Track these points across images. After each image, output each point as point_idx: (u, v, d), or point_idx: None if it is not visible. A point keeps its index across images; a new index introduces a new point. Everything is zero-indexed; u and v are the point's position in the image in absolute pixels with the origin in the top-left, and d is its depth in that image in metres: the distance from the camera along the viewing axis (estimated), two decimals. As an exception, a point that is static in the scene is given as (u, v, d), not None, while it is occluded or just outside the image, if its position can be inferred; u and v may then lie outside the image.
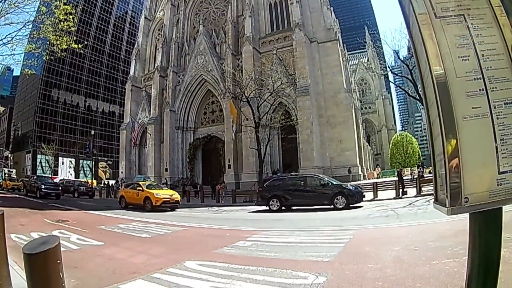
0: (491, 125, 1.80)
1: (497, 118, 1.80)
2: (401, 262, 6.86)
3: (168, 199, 24.58)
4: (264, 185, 24.51)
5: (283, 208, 21.83)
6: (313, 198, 21.46)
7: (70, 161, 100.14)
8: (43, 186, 34.95)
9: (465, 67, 1.85)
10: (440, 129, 1.81)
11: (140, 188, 25.73)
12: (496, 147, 1.78)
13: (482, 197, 1.77)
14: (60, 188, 38.24)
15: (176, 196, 25.99)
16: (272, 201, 22.10)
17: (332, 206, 20.01)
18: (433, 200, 2.17)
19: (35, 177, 44.80)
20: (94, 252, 9.34)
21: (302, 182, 22.97)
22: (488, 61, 1.85)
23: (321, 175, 26.02)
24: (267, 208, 22.14)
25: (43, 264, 2.87)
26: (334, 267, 6.80)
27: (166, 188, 30.27)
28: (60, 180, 56.98)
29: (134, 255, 9.15)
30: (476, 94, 1.82)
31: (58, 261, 2.93)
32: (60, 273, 2.94)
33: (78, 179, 72.45)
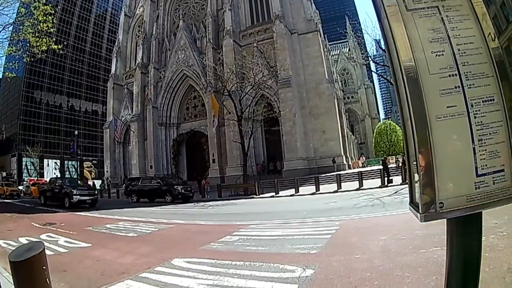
0: (468, 124, 1.72)
1: (475, 117, 1.72)
2: (389, 252, 6.92)
3: None
4: None
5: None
6: None
7: (55, 163, 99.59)
8: (74, 191, 26.31)
9: (439, 63, 1.76)
10: (412, 129, 1.72)
11: None
12: (474, 148, 1.71)
13: (458, 202, 1.69)
14: (96, 192, 30.63)
15: None
16: None
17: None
18: (408, 201, 2.07)
19: (59, 179, 33.43)
20: (83, 254, 9.34)
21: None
22: (465, 56, 1.77)
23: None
24: None
25: (29, 271, 2.84)
26: (321, 259, 6.86)
27: None
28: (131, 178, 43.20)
29: (122, 255, 9.16)
30: (451, 92, 1.74)
31: (44, 267, 2.90)
32: (47, 279, 2.91)
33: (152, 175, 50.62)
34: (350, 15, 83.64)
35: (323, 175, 35.50)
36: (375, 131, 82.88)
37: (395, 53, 1.79)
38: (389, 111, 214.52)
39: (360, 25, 59.03)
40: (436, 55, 1.77)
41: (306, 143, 48.02)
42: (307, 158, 46.27)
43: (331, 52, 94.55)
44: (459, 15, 1.82)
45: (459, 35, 1.79)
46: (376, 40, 39.48)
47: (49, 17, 20.88)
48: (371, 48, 48.10)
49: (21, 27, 21.49)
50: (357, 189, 25.13)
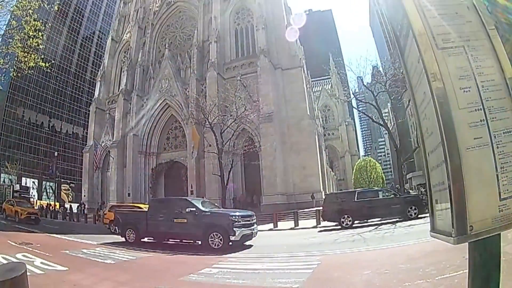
0: (492, 154, 1.87)
1: (497, 147, 1.87)
2: (373, 286, 6.98)
3: None
4: None
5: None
6: None
7: (33, 182, 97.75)
8: (237, 220, 15.48)
9: (467, 98, 1.92)
10: (445, 159, 1.86)
11: None
12: (497, 175, 1.85)
13: (485, 224, 1.83)
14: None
15: None
16: None
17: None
18: (429, 229, 2.32)
19: (181, 201, 18.75)
20: (59, 277, 9.20)
21: None
22: (488, 92, 1.92)
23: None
24: None
25: (10, 292, 2.74)
26: None
27: None
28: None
29: (99, 281, 9.05)
30: (477, 125, 1.89)
31: None
32: (28, 302, 2.79)
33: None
34: (335, 52, 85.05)
35: (302, 210, 35.46)
36: (355, 167, 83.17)
37: (428, 88, 1.96)
38: (369, 148, 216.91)
39: (343, 62, 60.10)
40: (464, 91, 1.94)
41: (285, 178, 47.96)
42: (286, 193, 46.22)
43: (314, 88, 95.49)
44: (482, 54, 1.99)
45: (482, 72, 1.96)
46: (359, 77, 40.20)
47: (39, 33, 20.94)
48: (354, 85, 49.01)
49: (10, 40, 21.46)
50: (336, 225, 24.94)
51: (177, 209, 17.15)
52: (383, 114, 37.00)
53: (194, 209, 16.37)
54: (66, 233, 23.67)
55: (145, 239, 18.14)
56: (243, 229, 15.36)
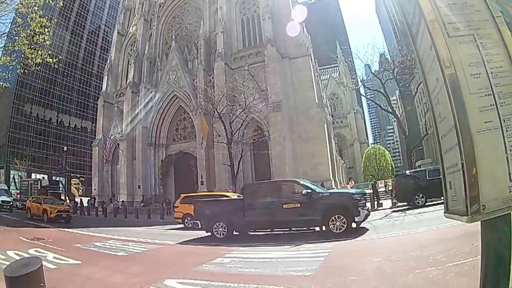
0: (502, 137, 1.93)
1: (507, 131, 1.94)
2: (384, 273, 6.95)
3: None
4: None
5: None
6: None
7: (43, 177, 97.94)
8: (359, 200, 14.49)
9: (477, 84, 1.98)
10: (458, 142, 1.94)
11: None
12: (507, 157, 1.92)
13: (497, 204, 1.90)
14: None
15: None
16: None
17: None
18: (443, 210, 2.40)
19: (303, 182, 15.96)
20: (72, 271, 9.30)
21: None
22: (497, 78, 1.99)
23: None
24: None
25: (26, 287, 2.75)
26: (316, 281, 6.88)
27: None
28: None
29: (112, 274, 9.14)
30: (488, 109, 1.96)
31: (42, 284, 2.83)
32: (44, 296, 2.75)
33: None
34: (342, 40, 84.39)
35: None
36: (364, 155, 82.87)
37: (440, 74, 2.04)
38: (378, 136, 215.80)
39: (351, 50, 59.81)
40: (475, 77, 2.00)
41: (295, 167, 47.81)
42: (295, 182, 46.06)
43: (321, 76, 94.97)
44: (491, 42, 2.05)
45: (491, 60, 2.02)
46: (367, 65, 40.03)
47: (45, 30, 20.91)
48: (361, 73, 48.85)
49: (16, 38, 21.45)
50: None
51: (287, 192, 15.38)
52: (392, 102, 36.72)
53: (310, 190, 14.34)
54: (77, 227, 23.77)
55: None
56: (365, 208, 14.27)
